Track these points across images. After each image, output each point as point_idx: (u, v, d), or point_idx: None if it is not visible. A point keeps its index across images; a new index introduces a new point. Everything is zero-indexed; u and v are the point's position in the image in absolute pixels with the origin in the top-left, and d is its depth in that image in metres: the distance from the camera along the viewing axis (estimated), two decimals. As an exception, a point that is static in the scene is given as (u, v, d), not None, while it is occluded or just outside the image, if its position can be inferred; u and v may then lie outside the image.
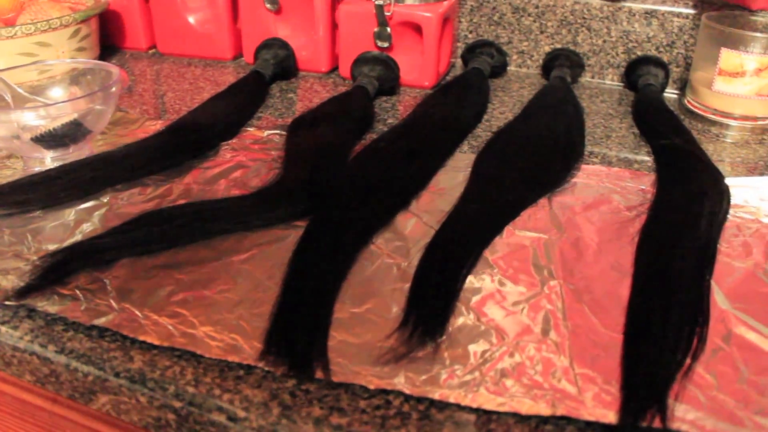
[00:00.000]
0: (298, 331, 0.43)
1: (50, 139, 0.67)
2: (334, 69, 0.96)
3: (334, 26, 0.92)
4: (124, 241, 0.54)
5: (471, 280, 0.50)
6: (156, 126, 0.77)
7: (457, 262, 0.51)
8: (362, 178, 0.63)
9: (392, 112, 0.83)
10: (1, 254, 0.54)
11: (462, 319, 0.46)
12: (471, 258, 0.52)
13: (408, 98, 0.87)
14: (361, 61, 0.86)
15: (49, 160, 0.69)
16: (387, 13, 0.86)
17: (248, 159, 0.70)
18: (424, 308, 0.46)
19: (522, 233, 0.56)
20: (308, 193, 0.61)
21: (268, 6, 0.92)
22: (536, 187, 0.62)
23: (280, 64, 0.90)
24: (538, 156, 0.68)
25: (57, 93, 0.75)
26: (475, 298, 0.48)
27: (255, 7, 0.93)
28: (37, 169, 0.68)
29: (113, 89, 0.68)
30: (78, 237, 0.57)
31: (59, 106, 0.65)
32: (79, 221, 0.58)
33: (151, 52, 1.08)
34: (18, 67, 0.75)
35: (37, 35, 0.88)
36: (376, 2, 0.85)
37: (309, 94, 0.88)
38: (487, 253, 0.54)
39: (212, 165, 0.68)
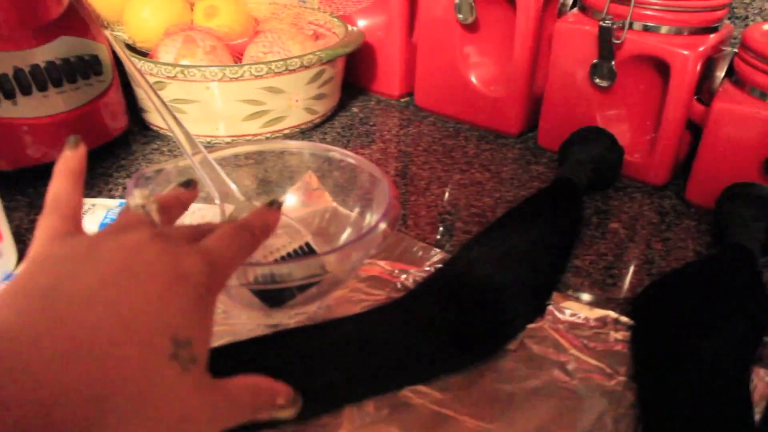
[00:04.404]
0: None
1: (275, 294, 0.43)
2: (669, 183, 0.66)
3: (687, 124, 0.62)
4: None
5: None
6: (421, 259, 0.52)
7: None
8: None
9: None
10: None
11: None
12: None
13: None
14: (742, 197, 0.56)
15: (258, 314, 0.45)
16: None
17: (576, 374, 0.42)
18: None
19: None
20: None
21: (596, 81, 0.63)
22: None
23: (602, 171, 0.62)
24: None
25: (290, 199, 0.51)
26: None
27: (572, 76, 0.65)
28: (244, 329, 0.45)
29: (382, 227, 0.43)
30: None
31: (307, 264, 0.40)
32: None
33: (403, 101, 0.83)
34: (242, 145, 0.52)
35: (268, 78, 0.65)
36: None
37: (641, 226, 0.59)
38: None
39: (515, 377, 0.43)
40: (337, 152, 0.51)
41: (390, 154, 0.71)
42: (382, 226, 0.43)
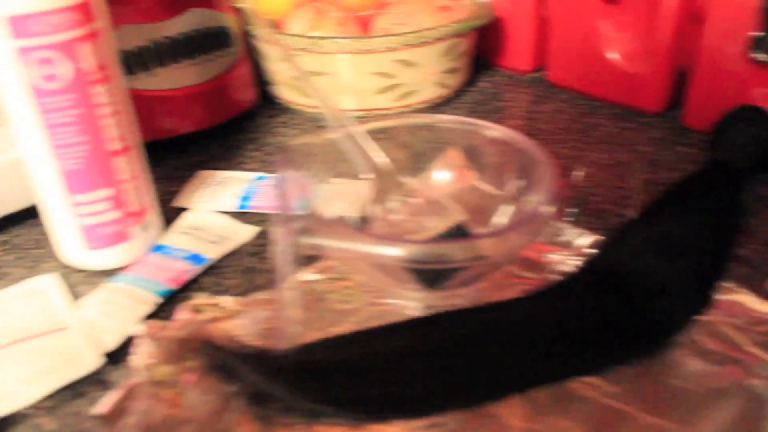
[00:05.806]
0: None
1: (432, 274, 0.42)
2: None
3: None
4: None
5: None
6: (571, 242, 0.49)
7: None
8: None
9: None
10: None
11: None
12: None
13: None
14: None
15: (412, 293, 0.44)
16: None
17: (758, 374, 0.39)
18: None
19: None
20: None
21: (753, 55, 0.59)
22: None
23: (762, 155, 0.58)
24: None
25: (437, 176, 0.49)
26: None
27: (726, 51, 0.61)
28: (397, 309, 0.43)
29: (549, 211, 0.41)
30: None
31: (467, 247, 0.39)
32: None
33: (532, 76, 0.80)
34: (390, 119, 0.50)
35: (401, 50, 0.63)
36: None
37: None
38: None
39: (690, 373, 0.40)
40: (488, 127, 0.49)
41: (524, 131, 0.68)
42: (549, 210, 0.41)
